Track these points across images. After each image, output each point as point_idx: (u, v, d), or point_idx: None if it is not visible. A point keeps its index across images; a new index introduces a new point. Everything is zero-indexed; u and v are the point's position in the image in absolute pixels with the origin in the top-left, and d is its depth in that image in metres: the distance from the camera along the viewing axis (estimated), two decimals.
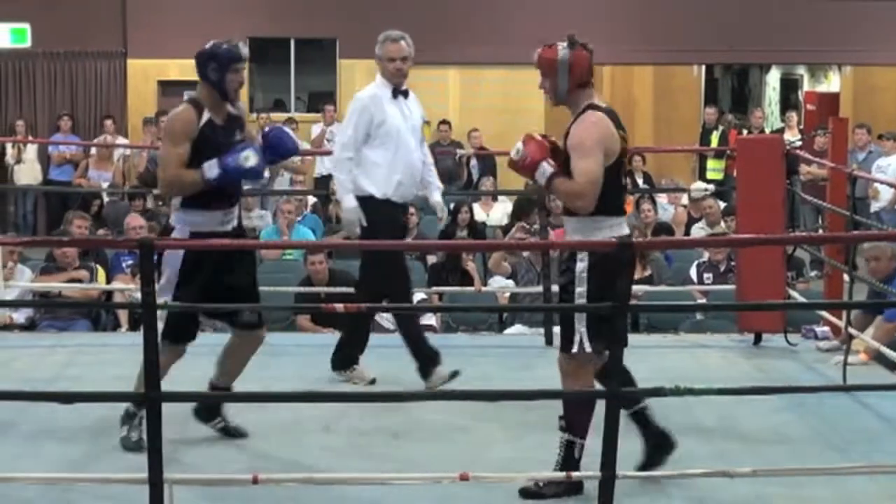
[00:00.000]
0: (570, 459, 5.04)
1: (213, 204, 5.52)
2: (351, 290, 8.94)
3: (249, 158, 5.41)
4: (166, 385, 4.76)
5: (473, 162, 15.75)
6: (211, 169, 5.38)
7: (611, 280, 4.83)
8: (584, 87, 5.11)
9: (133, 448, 5.44)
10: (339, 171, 6.69)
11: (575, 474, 4.89)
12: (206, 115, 5.49)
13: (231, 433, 5.79)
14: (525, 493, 5.09)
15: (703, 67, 17.96)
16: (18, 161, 15.99)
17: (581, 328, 5.01)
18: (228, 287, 5.53)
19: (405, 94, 6.68)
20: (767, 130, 17.03)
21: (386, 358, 6.95)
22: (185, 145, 5.42)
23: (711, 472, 4.93)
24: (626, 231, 5.14)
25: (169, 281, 5.47)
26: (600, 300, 4.91)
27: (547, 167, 5.08)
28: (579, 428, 5.04)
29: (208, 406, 5.81)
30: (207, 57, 5.51)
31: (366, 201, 6.61)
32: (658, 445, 5.24)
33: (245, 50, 5.59)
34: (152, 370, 4.55)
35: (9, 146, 15.78)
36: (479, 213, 13.36)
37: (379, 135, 6.56)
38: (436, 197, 6.92)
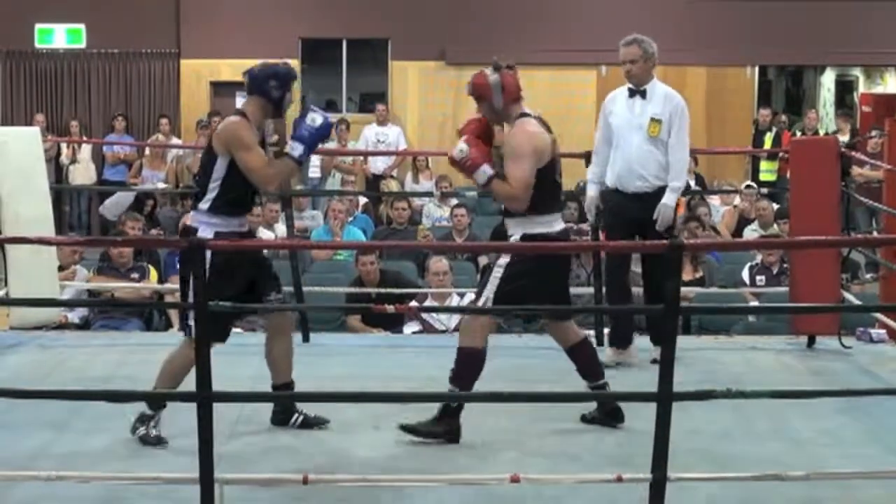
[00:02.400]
0: (447, 408, 5.62)
1: (239, 209, 5.64)
2: (400, 290, 8.97)
3: (316, 119, 5.58)
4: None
5: None
6: (294, 148, 5.55)
7: (529, 257, 5.57)
8: (516, 101, 5.75)
9: (154, 443, 5.54)
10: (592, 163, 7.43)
11: (626, 476, 4.85)
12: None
13: (313, 424, 5.83)
14: (404, 427, 5.65)
15: (757, 69, 17.83)
16: (73, 161, 16.14)
17: (489, 294, 5.63)
18: (251, 279, 5.64)
19: (643, 93, 7.23)
20: (822, 132, 16.90)
21: (438, 357, 6.91)
22: (258, 146, 5.56)
23: (764, 475, 4.88)
24: (561, 226, 5.76)
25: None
26: (515, 271, 5.57)
27: (488, 169, 5.61)
28: (468, 382, 5.58)
29: (284, 408, 5.85)
30: (268, 75, 5.64)
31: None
32: (612, 412, 5.81)
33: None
34: (204, 369, 4.56)
35: (64, 146, 15.91)
36: None
37: (611, 131, 7.21)
38: (663, 199, 7.11)
